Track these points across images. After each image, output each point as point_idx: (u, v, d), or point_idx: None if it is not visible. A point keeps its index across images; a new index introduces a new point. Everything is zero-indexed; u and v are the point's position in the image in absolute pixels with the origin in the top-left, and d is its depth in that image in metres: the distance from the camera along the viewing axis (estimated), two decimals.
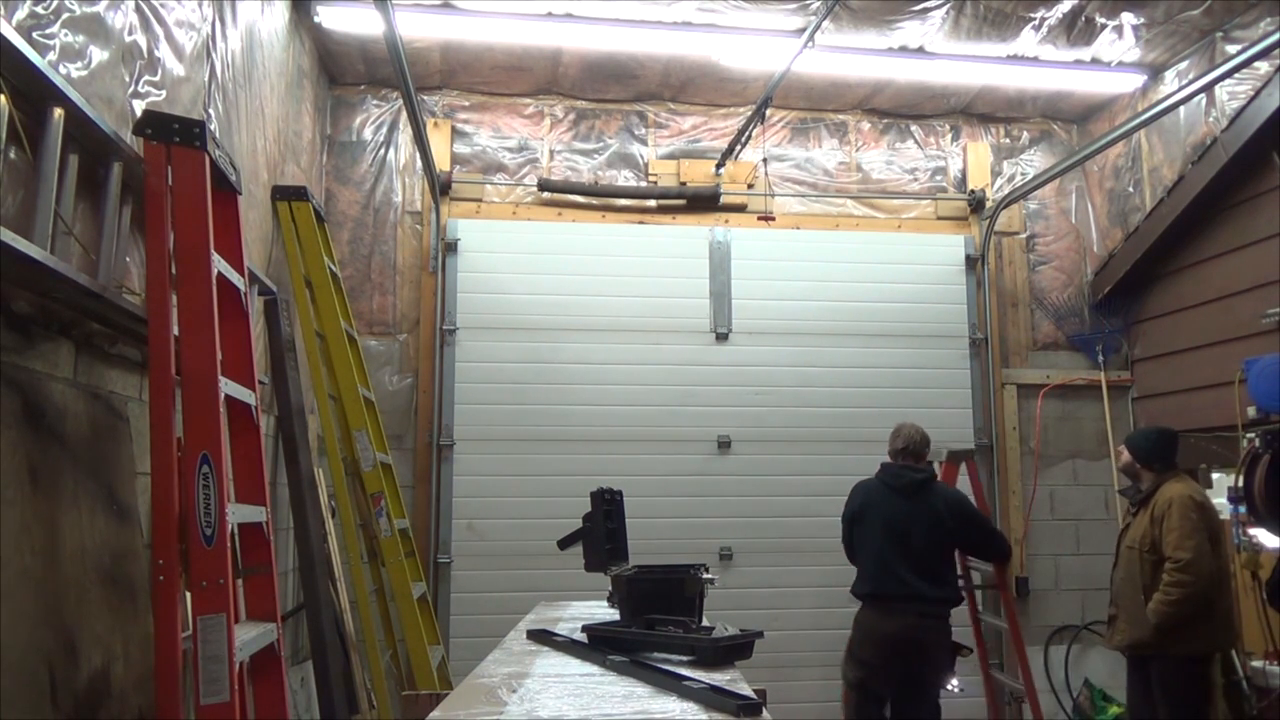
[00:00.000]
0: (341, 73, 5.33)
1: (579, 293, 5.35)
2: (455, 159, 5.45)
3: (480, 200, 5.44)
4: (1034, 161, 5.95)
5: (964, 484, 4.82)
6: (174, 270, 2.23)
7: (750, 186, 5.62)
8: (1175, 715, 3.80)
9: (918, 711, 3.94)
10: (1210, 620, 3.79)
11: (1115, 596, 4.14)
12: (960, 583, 4.85)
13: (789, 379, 5.43)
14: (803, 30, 4.50)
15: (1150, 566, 3.88)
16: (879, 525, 4.04)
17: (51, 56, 2.14)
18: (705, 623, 2.51)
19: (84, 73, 2.31)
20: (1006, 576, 4.82)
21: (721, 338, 5.44)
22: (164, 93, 2.81)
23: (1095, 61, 5.20)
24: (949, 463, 4.75)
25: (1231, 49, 4.64)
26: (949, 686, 4.08)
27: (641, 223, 5.54)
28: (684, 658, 2.23)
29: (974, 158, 5.87)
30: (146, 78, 2.71)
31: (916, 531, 3.96)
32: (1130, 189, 5.65)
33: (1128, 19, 4.75)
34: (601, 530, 2.93)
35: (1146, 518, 3.95)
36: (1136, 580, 3.94)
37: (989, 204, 5.73)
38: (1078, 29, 4.84)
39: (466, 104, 5.53)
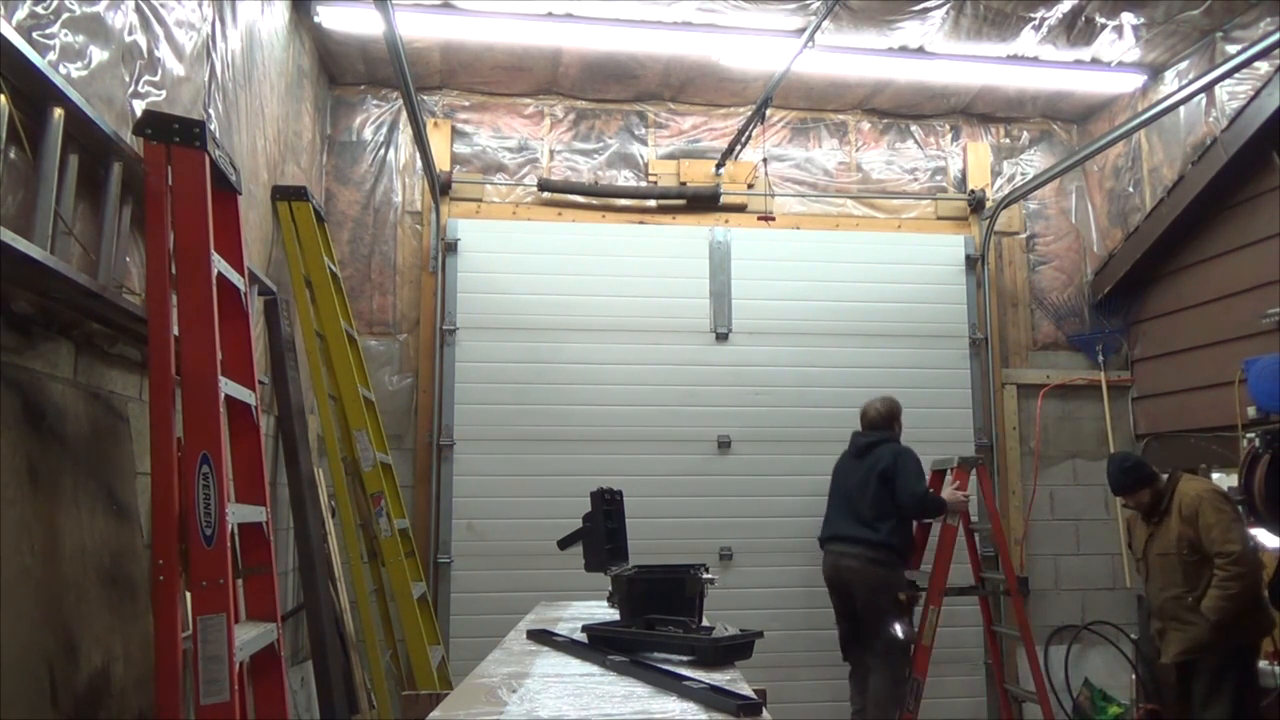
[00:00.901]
0: (341, 73, 5.33)
1: (579, 293, 5.35)
2: (455, 159, 5.45)
3: (480, 200, 5.44)
4: (1034, 161, 5.95)
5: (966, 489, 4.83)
6: (174, 270, 2.23)
7: (750, 186, 5.62)
8: (1236, 710, 3.78)
9: (871, 648, 4.49)
10: (1259, 608, 3.82)
11: (1158, 610, 4.09)
12: (981, 582, 4.99)
13: (789, 379, 5.43)
14: (803, 30, 4.50)
15: (1193, 568, 3.85)
16: (834, 483, 4.82)
17: (51, 56, 2.14)
18: (705, 623, 2.51)
19: (84, 73, 2.31)
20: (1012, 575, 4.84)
21: (721, 338, 5.44)
22: (164, 93, 2.81)
23: (1095, 61, 5.20)
24: (960, 469, 4.76)
25: (1231, 49, 4.64)
26: (894, 630, 4.44)
27: (641, 223, 5.54)
28: (684, 658, 2.23)
29: (974, 158, 5.86)
30: (146, 78, 2.71)
31: (858, 485, 4.60)
32: (1130, 189, 5.65)
33: (1128, 19, 4.74)
34: (601, 530, 2.93)
35: (1174, 520, 3.91)
36: (1180, 586, 3.90)
37: (989, 204, 5.73)
38: (1078, 29, 4.84)
39: (466, 104, 5.53)
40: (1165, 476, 4.09)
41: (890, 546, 4.48)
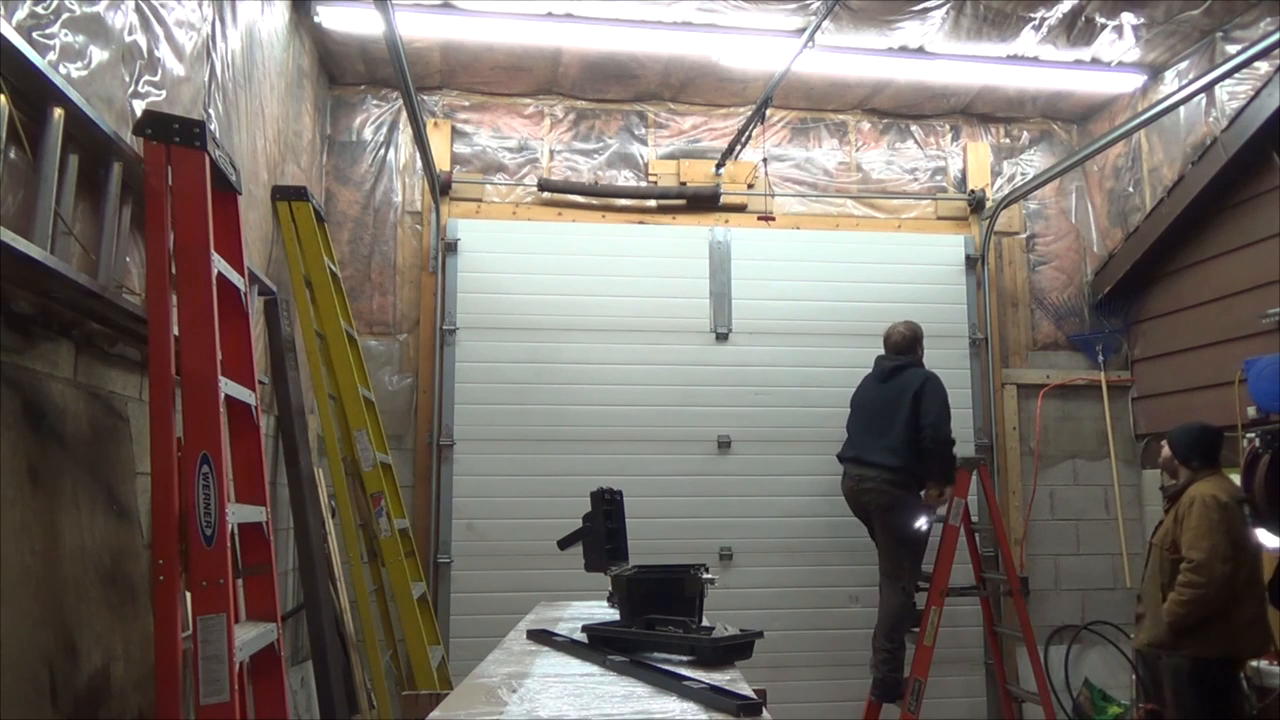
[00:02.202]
0: (341, 73, 5.33)
1: (579, 293, 5.35)
2: (455, 159, 5.45)
3: (480, 200, 5.44)
4: (1034, 161, 5.95)
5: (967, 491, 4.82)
6: (174, 270, 2.23)
7: (750, 186, 5.62)
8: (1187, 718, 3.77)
9: (883, 566, 4.68)
10: (1227, 624, 3.72)
11: (1142, 594, 4.13)
12: (982, 582, 5.01)
13: (789, 379, 5.43)
14: (803, 30, 4.50)
15: (1170, 565, 3.85)
16: (857, 405, 4.92)
17: (51, 56, 2.14)
18: (705, 623, 2.51)
19: (84, 73, 2.31)
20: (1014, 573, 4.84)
21: (721, 338, 5.44)
22: (164, 93, 2.81)
23: (1095, 61, 5.20)
24: (961, 469, 4.75)
25: (1231, 49, 4.64)
26: (917, 526, 4.59)
27: (641, 223, 5.54)
28: (684, 658, 2.23)
29: (974, 158, 5.86)
30: (146, 78, 2.71)
31: (882, 409, 4.69)
32: (1130, 189, 5.65)
33: (1128, 19, 4.74)
34: (601, 530, 2.93)
35: (1172, 516, 3.92)
36: (1158, 580, 3.91)
37: (989, 204, 5.73)
38: (1078, 29, 4.84)
39: (466, 104, 5.53)
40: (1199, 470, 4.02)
41: (910, 471, 4.57)
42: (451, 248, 5.31)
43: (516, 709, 1.75)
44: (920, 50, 5.04)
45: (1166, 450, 4.13)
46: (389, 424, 4.98)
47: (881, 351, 5.04)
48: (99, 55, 2.40)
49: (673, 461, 5.29)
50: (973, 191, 5.78)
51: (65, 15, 2.22)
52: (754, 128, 5.01)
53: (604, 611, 3.05)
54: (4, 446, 1.89)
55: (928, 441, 4.55)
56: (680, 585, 2.55)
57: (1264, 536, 4.09)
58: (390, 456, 4.56)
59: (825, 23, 4.25)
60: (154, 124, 2.27)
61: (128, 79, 2.59)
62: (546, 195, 5.45)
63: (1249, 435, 4.28)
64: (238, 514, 2.33)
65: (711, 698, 1.77)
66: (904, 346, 4.89)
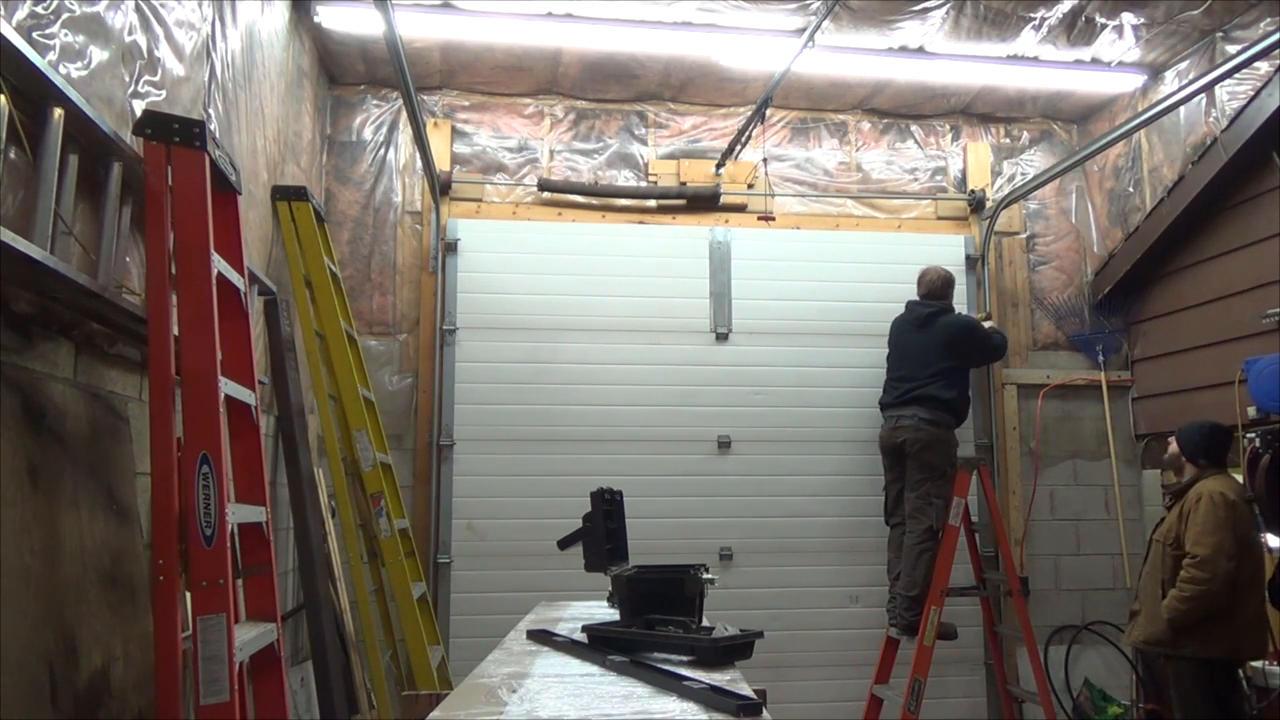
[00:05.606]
0: (341, 73, 5.33)
1: (579, 293, 5.35)
2: (455, 159, 5.45)
3: (480, 200, 5.44)
4: (1034, 161, 5.95)
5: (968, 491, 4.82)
6: (174, 270, 2.23)
7: (750, 186, 5.62)
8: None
9: (910, 505, 4.72)
10: (1229, 624, 3.70)
11: (1139, 591, 4.11)
12: (982, 583, 5.01)
13: (789, 379, 5.43)
14: (803, 30, 4.50)
15: (1173, 562, 3.83)
16: (896, 351, 5.03)
17: (51, 56, 2.14)
18: (705, 623, 2.51)
19: (84, 73, 2.32)
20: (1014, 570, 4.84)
21: (721, 338, 5.44)
22: (164, 93, 2.81)
23: (1095, 61, 5.20)
24: (962, 469, 4.76)
25: (1231, 49, 4.64)
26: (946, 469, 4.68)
27: (641, 223, 5.54)
28: (684, 658, 2.23)
29: (974, 158, 5.86)
30: (146, 78, 2.71)
31: (917, 355, 4.84)
32: (1130, 189, 5.65)
33: (1128, 19, 4.74)
34: (601, 530, 2.93)
35: (1176, 513, 3.91)
36: (1158, 575, 3.90)
37: (989, 204, 5.73)
38: (1078, 29, 4.84)
39: (466, 104, 5.53)
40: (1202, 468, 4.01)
41: (948, 408, 4.73)
42: (451, 248, 5.31)
43: (516, 709, 1.75)
44: (920, 50, 5.04)
45: (1174, 446, 4.11)
46: (389, 424, 4.98)
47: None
48: (99, 55, 2.40)
49: (673, 461, 5.28)
50: (973, 191, 5.78)
51: (65, 15, 2.22)
52: (754, 128, 5.01)
53: (604, 611, 3.05)
54: (4, 446, 1.89)
55: (996, 358, 5.15)
56: (680, 585, 2.55)
57: (1265, 537, 4.09)
58: (390, 456, 4.56)
59: (825, 23, 4.25)
60: (154, 124, 2.27)
61: (128, 79, 2.59)
62: (546, 195, 5.45)
63: (1249, 435, 4.28)
64: (238, 514, 2.33)
65: (711, 698, 1.77)
66: (937, 290, 5.01)
